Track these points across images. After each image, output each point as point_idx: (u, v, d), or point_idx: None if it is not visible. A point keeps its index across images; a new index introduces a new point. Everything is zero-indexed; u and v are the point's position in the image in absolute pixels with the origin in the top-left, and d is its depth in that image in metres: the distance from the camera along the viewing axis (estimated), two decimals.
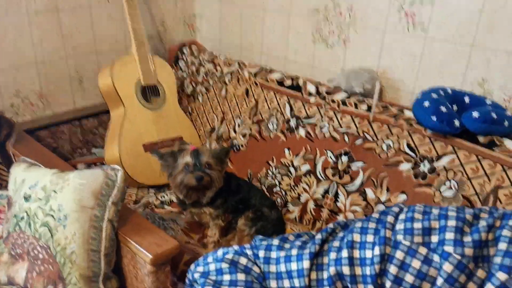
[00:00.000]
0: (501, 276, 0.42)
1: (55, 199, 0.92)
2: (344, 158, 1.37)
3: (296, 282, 0.53)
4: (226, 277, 0.55)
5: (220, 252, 0.60)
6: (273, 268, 0.55)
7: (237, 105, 1.69)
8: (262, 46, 1.80)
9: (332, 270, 0.51)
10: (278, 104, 1.57)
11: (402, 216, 0.51)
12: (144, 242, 0.92)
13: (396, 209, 0.52)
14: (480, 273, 0.44)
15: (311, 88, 1.50)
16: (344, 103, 1.41)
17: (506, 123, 1.13)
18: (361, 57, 1.50)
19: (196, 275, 0.58)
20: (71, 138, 1.73)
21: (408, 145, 1.24)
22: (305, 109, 1.50)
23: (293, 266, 0.53)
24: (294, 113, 1.52)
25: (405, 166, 1.23)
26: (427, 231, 0.47)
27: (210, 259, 0.60)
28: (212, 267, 0.58)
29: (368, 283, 0.48)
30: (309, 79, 1.55)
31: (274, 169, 1.56)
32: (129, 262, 0.97)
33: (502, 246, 0.44)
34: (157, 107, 1.68)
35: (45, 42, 1.60)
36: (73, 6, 1.64)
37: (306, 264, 0.53)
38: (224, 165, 1.25)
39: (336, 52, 1.56)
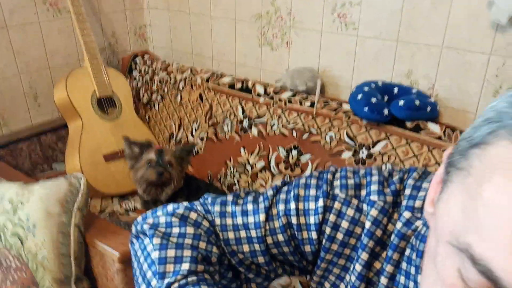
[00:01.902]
0: (406, 214, 0.55)
1: (22, 210, 1.01)
2: (294, 152, 1.52)
3: (253, 233, 0.60)
4: (175, 230, 0.59)
5: (170, 207, 0.63)
6: (229, 221, 0.61)
7: (193, 110, 1.81)
8: (212, 52, 1.93)
9: (283, 219, 0.59)
10: (231, 106, 1.70)
11: (337, 175, 0.60)
12: (111, 242, 1.02)
13: (332, 169, 0.62)
14: (395, 215, 0.56)
15: (260, 89, 1.64)
16: (290, 101, 1.56)
17: (428, 108, 1.31)
18: (303, 57, 1.66)
19: (146, 226, 0.60)
20: (30, 155, 1.80)
21: (348, 135, 1.40)
22: (255, 109, 1.64)
23: (250, 219, 0.60)
24: (246, 113, 1.66)
25: (347, 154, 1.40)
26: (357, 186, 0.57)
27: (159, 213, 0.63)
28: (162, 219, 0.60)
29: (312, 230, 0.57)
30: (258, 81, 1.70)
31: (232, 169, 1.69)
32: (98, 263, 1.07)
33: (407, 191, 0.56)
34: (114, 117, 1.77)
35: None
36: (22, 23, 1.71)
37: (262, 217, 0.59)
38: (185, 165, 1.37)
39: (281, 54, 1.72)
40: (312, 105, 1.50)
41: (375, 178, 0.57)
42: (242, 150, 1.66)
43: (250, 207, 0.61)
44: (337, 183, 0.58)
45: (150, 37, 2.17)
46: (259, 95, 1.63)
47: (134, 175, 1.33)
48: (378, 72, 1.50)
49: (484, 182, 0.33)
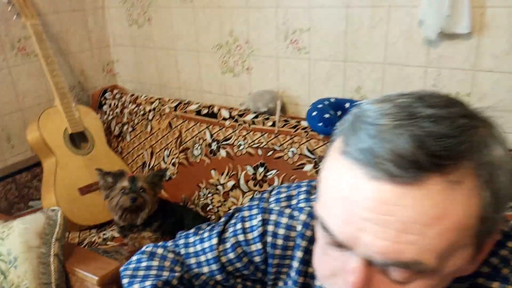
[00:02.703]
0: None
1: (3, 245, 1.07)
2: (261, 169, 1.63)
3: (209, 255, 0.70)
4: (143, 264, 0.70)
5: (144, 247, 0.74)
6: (191, 250, 0.73)
7: (163, 138, 1.90)
8: (179, 82, 2.04)
9: (233, 239, 0.69)
10: (199, 131, 1.80)
11: (273, 192, 0.71)
12: (90, 268, 1.09)
13: (269, 189, 0.74)
14: None
15: (225, 113, 1.75)
16: (253, 122, 1.67)
17: None
18: (263, 81, 1.78)
19: (121, 268, 0.71)
20: (6, 195, 1.84)
21: (308, 149, 1.52)
22: (222, 133, 1.74)
23: (206, 244, 0.71)
24: (214, 137, 1.76)
25: (308, 167, 1.51)
26: (289, 198, 0.67)
27: (135, 256, 0.73)
28: (134, 258, 0.72)
29: (257, 242, 0.67)
30: (223, 105, 1.81)
31: (205, 190, 1.78)
32: None
33: None
34: (87, 151, 1.84)
35: None
36: None
37: (215, 241, 0.70)
38: (157, 188, 1.45)
39: (242, 79, 1.84)
40: (273, 124, 1.62)
41: (303, 188, 0.68)
42: (212, 172, 1.75)
43: (206, 234, 0.73)
44: (272, 199, 0.69)
45: (118, 72, 2.26)
46: (224, 119, 1.74)
47: (110, 203, 1.40)
48: (330, 90, 1.64)
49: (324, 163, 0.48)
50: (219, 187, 1.73)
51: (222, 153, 1.73)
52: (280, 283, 0.70)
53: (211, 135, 1.77)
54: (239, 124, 1.71)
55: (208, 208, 1.76)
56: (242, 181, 1.67)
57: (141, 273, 0.69)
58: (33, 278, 1.05)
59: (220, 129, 1.75)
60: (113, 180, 1.41)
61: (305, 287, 0.66)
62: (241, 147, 1.69)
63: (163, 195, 1.79)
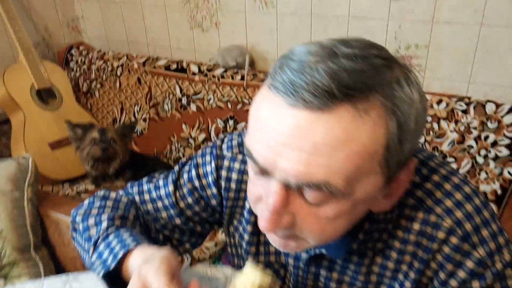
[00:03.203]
0: None
1: None
2: (231, 122, 1.68)
3: (166, 201, 0.74)
4: (96, 204, 0.72)
5: (96, 193, 0.76)
6: (146, 196, 0.76)
7: (133, 94, 1.91)
8: (147, 38, 2.03)
9: (189, 185, 0.73)
10: (169, 86, 1.82)
11: (225, 139, 0.73)
12: (64, 211, 1.13)
13: (222, 136, 0.74)
14: None
15: (194, 68, 1.77)
16: (222, 76, 1.71)
17: None
18: (232, 36, 1.81)
19: (73, 212, 0.74)
20: None
21: None
22: (192, 87, 1.77)
23: (162, 191, 0.75)
24: (184, 92, 1.79)
25: None
26: (241, 144, 0.70)
27: (86, 200, 0.76)
28: (85, 202, 0.74)
29: (212, 187, 0.72)
30: (192, 61, 1.83)
31: (176, 144, 1.82)
32: (54, 232, 1.18)
33: None
34: (56, 108, 1.83)
35: None
36: None
37: (171, 187, 0.74)
38: (128, 140, 1.49)
39: (211, 34, 1.85)
40: (242, 78, 1.66)
41: None
42: (183, 126, 1.79)
43: (161, 182, 0.76)
44: (224, 146, 0.73)
45: (83, 29, 2.22)
46: (194, 73, 1.77)
47: (81, 154, 1.43)
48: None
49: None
50: (191, 140, 1.78)
51: (193, 107, 1.77)
52: (235, 222, 0.75)
53: (181, 90, 1.79)
54: (208, 79, 1.74)
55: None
56: (212, 134, 1.72)
57: (94, 211, 0.72)
58: (8, 221, 1.08)
59: (189, 84, 1.78)
60: (83, 132, 1.43)
61: (256, 225, 0.72)
62: (211, 101, 1.73)
63: (135, 149, 1.82)
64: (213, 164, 0.72)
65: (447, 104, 1.36)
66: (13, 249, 1.08)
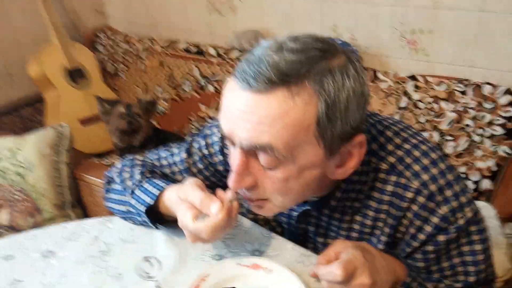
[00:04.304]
0: None
1: (20, 154, 1.26)
2: None
3: (181, 166, 0.87)
4: (127, 163, 0.87)
5: (123, 159, 0.91)
6: (164, 162, 0.89)
7: (155, 75, 2.07)
8: (168, 22, 2.18)
9: (199, 152, 0.86)
10: (188, 69, 1.96)
11: None
12: (95, 174, 1.29)
13: None
14: None
15: (212, 51, 1.91)
16: (238, 59, 1.83)
17: None
18: (248, 20, 1.93)
19: (106, 173, 0.90)
20: (13, 129, 2.01)
21: None
22: (210, 69, 1.91)
23: (176, 158, 0.87)
24: (202, 73, 1.93)
25: None
26: None
27: (116, 163, 0.91)
28: (117, 164, 0.89)
29: (218, 155, 0.85)
30: (210, 44, 1.96)
31: (195, 123, 1.97)
32: (88, 193, 1.34)
33: None
34: (85, 87, 2.00)
35: None
36: None
37: (184, 155, 0.86)
38: (151, 115, 1.64)
39: (228, 19, 1.98)
40: None
41: None
42: (202, 105, 1.94)
43: (176, 150, 0.90)
44: None
45: (109, 13, 2.38)
46: (211, 56, 1.90)
47: (109, 127, 1.59)
48: (310, 29, 1.79)
49: None
50: (208, 119, 1.92)
51: (210, 88, 1.91)
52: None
53: (200, 72, 1.93)
54: (225, 61, 1.87)
55: None
56: None
57: (127, 169, 0.87)
58: (48, 181, 1.25)
59: (207, 66, 1.91)
60: (110, 107, 1.59)
61: None
62: None
63: (157, 126, 1.98)
64: (219, 135, 0.85)
65: (447, 86, 1.46)
66: (52, 206, 1.26)
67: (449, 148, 1.44)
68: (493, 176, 1.39)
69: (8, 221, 1.29)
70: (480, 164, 1.41)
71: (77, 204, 1.31)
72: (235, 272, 0.71)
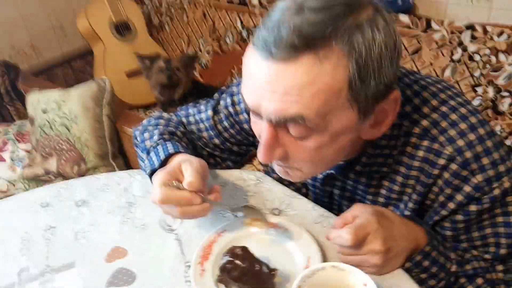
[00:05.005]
0: None
1: (65, 106, 1.32)
2: None
3: (207, 123, 0.85)
4: (152, 122, 0.87)
5: (151, 115, 0.92)
6: (191, 119, 0.88)
7: (198, 27, 2.05)
8: None
9: (225, 111, 0.84)
10: (231, 20, 1.92)
11: None
12: (135, 126, 1.33)
13: None
14: None
15: (255, 1, 1.84)
16: None
17: (399, 2, 1.49)
18: None
19: (135, 129, 0.90)
20: (65, 79, 2.11)
21: None
22: (252, 20, 1.85)
23: (203, 115, 0.86)
24: (244, 25, 1.87)
25: None
26: None
27: (144, 121, 0.91)
28: (144, 122, 0.89)
29: (244, 113, 0.82)
30: None
31: (237, 76, 1.94)
32: (129, 145, 1.40)
33: None
34: (131, 40, 2.03)
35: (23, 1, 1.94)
36: None
37: (210, 112, 0.85)
38: (191, 69, 1.64)
39: None
40: None
41: None
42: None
43: (203, 107, 0.88)
44: None
45: None
46: (254, 6, 1.84)
47: (150, 82, 1.62)
48: None
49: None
50: None
51: None
52: None
53: (242, 23, 1.88)
54: (268, 11, 1.79)
55: None
56: None
57: (150, 128, 0.86)
58: (91, 132, 1.31)
59: (250, 17, 1.85)
60: (150, 62, 1.60)
61: None
62: None
63: (200, 80, 1.98)
64: None
65: (509, 36, 1.31)
66: (95, 155, 1.32)
67: (504, 105, 1.32)
68: None
69: (56, 168, 1.38)
70: None
71: (119, 155, 1.37)
72: (251, 229, 0.71)
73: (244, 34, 1.88)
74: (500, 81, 1.32)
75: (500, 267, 0.66)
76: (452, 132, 0.62)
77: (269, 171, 0.88)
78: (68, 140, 1.34)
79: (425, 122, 0.64)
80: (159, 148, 0.79)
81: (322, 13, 0.52)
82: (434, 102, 0.64)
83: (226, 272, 0.60)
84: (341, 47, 0.52)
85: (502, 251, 0.65)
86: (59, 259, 0.73)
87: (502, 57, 1.32)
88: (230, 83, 1.97)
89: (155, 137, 0.83)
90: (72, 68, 2.13)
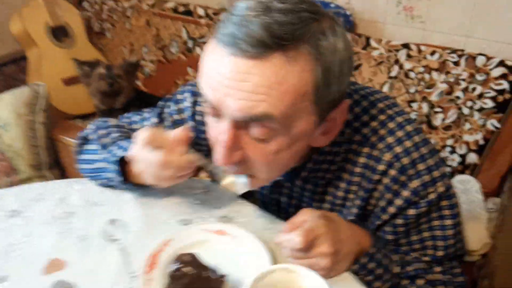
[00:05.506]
0: None
1: None
2: None
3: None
4: (102, 125, 0.84)
5: (94, 122, 0.88)
6: (135, 126, 0.87)
7: (141, 35, 2.01)
8: None
9: (170, 118, 0.83)
10: (176, 29, 1.91)
11: None
12: (73, 135, 1.27)
13: None
14: None
15: (201, 11, 1.85)
16: None
17: (341, 20, 1.57)
18: None
19: (79, 134, 0.87)
20: None
21: None
22: (198, 31, 1.86)
23: (147, 123, 0.85)
24: (190, 35, 1.87)
25: None
26: None
27: (90, 125, 0.88)
28: (90, 126, 0.86)
29: (190, 121, 0.81)
30: (199, 4, 1.90)
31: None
32: (66, 155, 1.33)
33: None
34: (69, 46, 1.95)
35: None
36: None
37: (154, 120, 0.84)
38: (133, 77, 1.61)
39: None
40: None
41: None
42: (189, 69, 1.90)
43: (146, 115, 0.87)
44: None
45: None
46: (200, 17, 1.85)
47: (89, 89, 1.56)
48: None
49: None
50: None
51: (198, 50, 1.86)
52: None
53: (188, 33, 1.88)
54: (214, 22, 1.81)
55: None
56: None
57: (102, 129, 0.83)
58: (24, 141, 1.23)
59: (196, 27, 1.86)
60: (90, 69, 1.55)
61: None
62: None
63: (142, 89, 1.94)
64: (190, 100, 0.81)
65: (440, 56, 1.43)
66: (28, 166, 1.24)
67: (437, 120, 1.42)
68: (479, 150, 1.38)
69: None
70: (467, 137, 1.39)
71: (55, 166, 1.30)
72: (199, 237, 0.70)
73: (190, 44, 1.88)
74: (433, 98, 1.43)
75: (438, 269, 0.70)
76: (390, 140, 0.66)
77: (216, 178, 0.88)
78: None
79: (365, 130, 0.68)
80: (122, 142, 0.77)
81: (290, 15, 0.53)
82: (373, 111, 0.68)
83: (175, 279, 0.59)
84: (309, 50, 0.54)
85: (439, 253, 0.69)
86: None
87: (435, 75, 1.43)
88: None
89: (114, 134, 0.81)
90: (3, 74, 1.99)
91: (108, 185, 0.83)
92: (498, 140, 1.36)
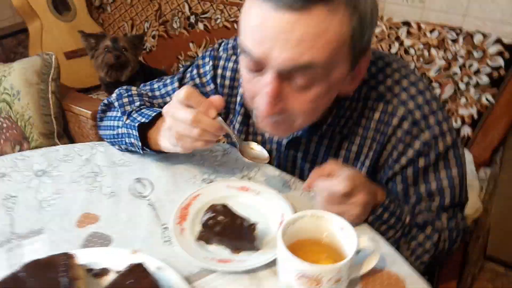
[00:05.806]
0: None
1: (6, 81, 1.25)
2: None
3: (173, 96, 0.84)
4: (125, 93, 0.87)
5: (117, 90, 0.91)
6: (157, 93, 0.91)
7: (143, 10, 2.02)
8: None
9: (191, 82, 0.88)
10: (178, 4, 1.92)
11: (222, 43, 0.88)
12: (83, 105, 1.30)
13: (220, 41, 0.88)
14: None
15: None
16: None
17: None
18: None
19: (103, 102, 0.91)
20: None
21: None
22: (200, 6, 1.87)
23: (169, 88, 0.89)
24: (192, 10, 1.89)
25: None
26: (234, 47, 0.85)
27: (114, 94, 0.90)
28: (114, 94, 0.88)
29: (210, 84, 0.87)
30: None
31: (183, 62, 1.95)
32: (75, 125, 1.36)
33: None
34: (70, 19, 1.95)
35: None
36: None
37: (176, 84, 0.88)
38: (138, 51, 1.62)
39: None
40: None
41: None
42: (191, 44, 1.92)
43: (168, 81, 0.91)
44: (221, 48, 0.87)
45: None
46: None
47: (95, 62, 1.57)
48: None
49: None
50: None
51: (200, 26, 1.88)
52: (231, 116, 0.91)
53: (190, 9, 1.89)
54: None
55: None
56: None
57: (126, 96, 0.86)
58: (35, 109, 1.26)
59: (198, 2, 1.87)
60: (96, 41, 1.56)
61: (245, 116, 0.87)
62: (218, 21, 1.84)
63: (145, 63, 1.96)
64: (210, 64, 0.86)
65: (439, 33, 1.48)
66: (39, 134, 1.27)
67: None
68: (473, 123, 1.45)
69: None
70: (462, 111, 1.46)
71: (65, 135, 1.33)
72: (224, 193, 0.75)
73: (192, 19, 1.89)
74: (432, 74, 1.49)
75: (444, 216, 0.76)
76: (404, 96, 0.72)
77: (234, 141, 0.93)
78: (9, 117, 1.27)
79: (381, 88, 0.73)
80: (144, 110, 0.81)
81: None
82: (388, 71, 0.74)
83: (208, 227, 0.64)
84: (346, 2, 0.59)
85: (446, 200, 0.75)
86: (25, 226, 0.71)
87: (433, 51, 1.48)
88: (176, 68, 1.97)
89: (137, 103, 0.84)
90: (3, 46, 1.99)
91: (128, 150, 0.87)
92: (491, 114, 1.43)
